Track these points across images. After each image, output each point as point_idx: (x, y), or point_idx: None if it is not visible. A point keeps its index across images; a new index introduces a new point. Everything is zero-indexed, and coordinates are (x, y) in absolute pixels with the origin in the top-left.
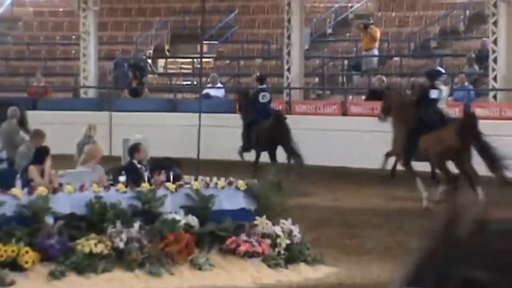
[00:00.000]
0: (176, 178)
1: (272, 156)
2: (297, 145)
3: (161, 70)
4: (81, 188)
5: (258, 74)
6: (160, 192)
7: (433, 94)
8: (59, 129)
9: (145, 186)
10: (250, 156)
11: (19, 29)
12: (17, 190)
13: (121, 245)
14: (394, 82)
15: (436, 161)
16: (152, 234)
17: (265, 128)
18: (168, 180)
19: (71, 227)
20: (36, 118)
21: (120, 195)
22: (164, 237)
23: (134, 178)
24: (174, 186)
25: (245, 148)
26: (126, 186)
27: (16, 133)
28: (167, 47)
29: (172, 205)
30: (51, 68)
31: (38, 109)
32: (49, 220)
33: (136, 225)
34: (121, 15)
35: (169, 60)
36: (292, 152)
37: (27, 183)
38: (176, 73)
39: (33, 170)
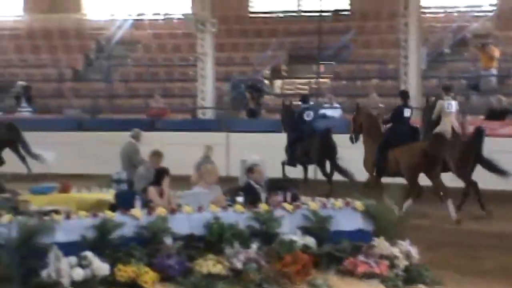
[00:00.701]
0: (293, 199)
1: (324, 171)
2: (343, 161)
3: (278, 91)
4: (199, 209)
5: (301, 95)
6: (278, 212)
7: (406, 112)
8: (177, 149)
9: (262, 206)
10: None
11: (139, 51)
12: (136, 211)
13: (239, 265)
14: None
15: (407, 175)
16: (269, 255)
17: (316, 143)
18: (285, 200)
19: (190, 248)
20: (154, 139)
21: (238, 215)
22: (281, 258)
23: (252, 199)
24: (291, 206)
25: (290, 163)
26: (244, 207)
27: (135, 154)
28: (284, 67)
29: (289, 225)
30: (169, 90)
31: (157, 130)
32: (168, 240)
33: (254, 245)
34: (238, 37)
35: (286, 80)
36: (339, 168)
37: (146, 204)
38: (293, 93)
39: (152, 191)
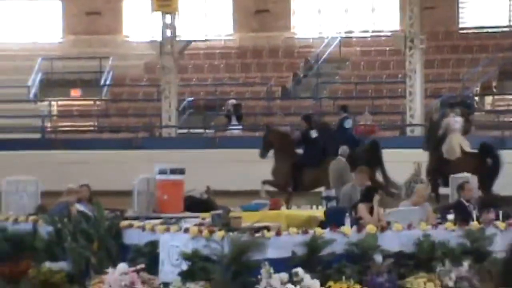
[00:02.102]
0: (506, 216)
1: None
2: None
3: (488, 107)
4: (409, 227)
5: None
6: (489, 230)
7: (313, 134)
8: (386, 167)
9: (473, 224)
10: None
11: (347, 68)
12: (346, 228)
13: (451, 284)
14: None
15: None
16: (481, 274)
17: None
18: (497, 218)
19: (400, 265)
20: None
21: (448, 233)
22: (493, 277)
23: (463, 216)
24: (503, 224)
25: None
26: (455, 224)
27: (346, 171)
28: (494, 83)
29: (501, 243)
30: (378, 107)
31: None
32: (378, 258)
33: (466, 264)
34: (448, 52)
35: (496, 97)
36: (387, 179)
37: (356, 221)
38: (504, 110)
39: (362, 208)
